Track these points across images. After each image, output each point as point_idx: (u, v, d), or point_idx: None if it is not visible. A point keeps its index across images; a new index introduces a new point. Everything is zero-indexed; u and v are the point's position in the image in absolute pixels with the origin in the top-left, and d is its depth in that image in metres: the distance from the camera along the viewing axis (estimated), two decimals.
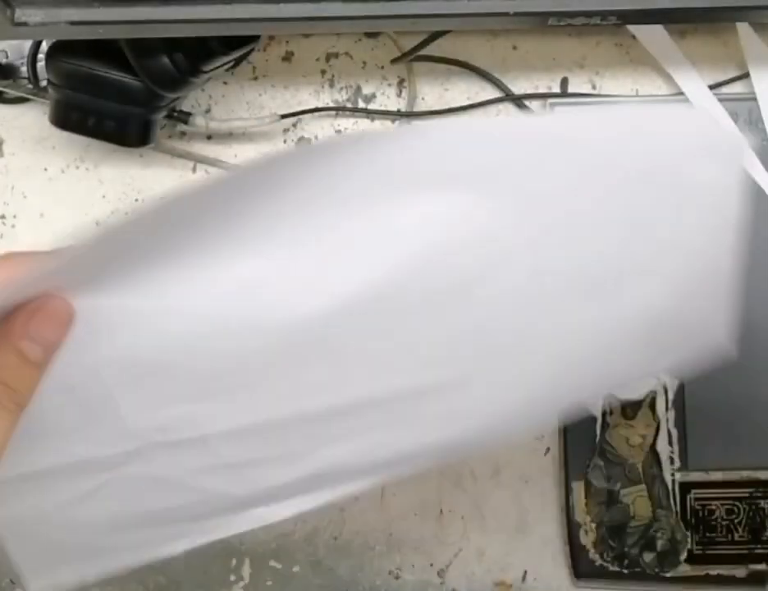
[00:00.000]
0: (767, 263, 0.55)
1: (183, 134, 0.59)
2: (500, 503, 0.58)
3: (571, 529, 0.55)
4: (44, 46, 0.53)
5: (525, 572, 0.58)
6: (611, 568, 0.55)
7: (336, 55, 0.59)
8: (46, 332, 0.30)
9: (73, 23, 0.44)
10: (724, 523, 0.55)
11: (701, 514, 0.55)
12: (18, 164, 0.60)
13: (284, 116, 0.58)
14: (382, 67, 0.59)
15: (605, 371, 0.25)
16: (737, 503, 0.55)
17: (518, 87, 0.58)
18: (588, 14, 0.46)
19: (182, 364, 0.26)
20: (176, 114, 0.56)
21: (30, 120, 0.60)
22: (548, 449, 0.57)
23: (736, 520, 0.55)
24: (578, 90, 0.58)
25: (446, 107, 0.58)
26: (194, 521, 0.31)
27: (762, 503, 0.55)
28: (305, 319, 0.22)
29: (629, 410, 0.55)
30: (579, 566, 0.56)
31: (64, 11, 0.44)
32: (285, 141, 0.59)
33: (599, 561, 0.55)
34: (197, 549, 0.59)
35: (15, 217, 0.60)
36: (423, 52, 0.57)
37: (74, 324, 0.30)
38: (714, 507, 0.55)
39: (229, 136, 0.59)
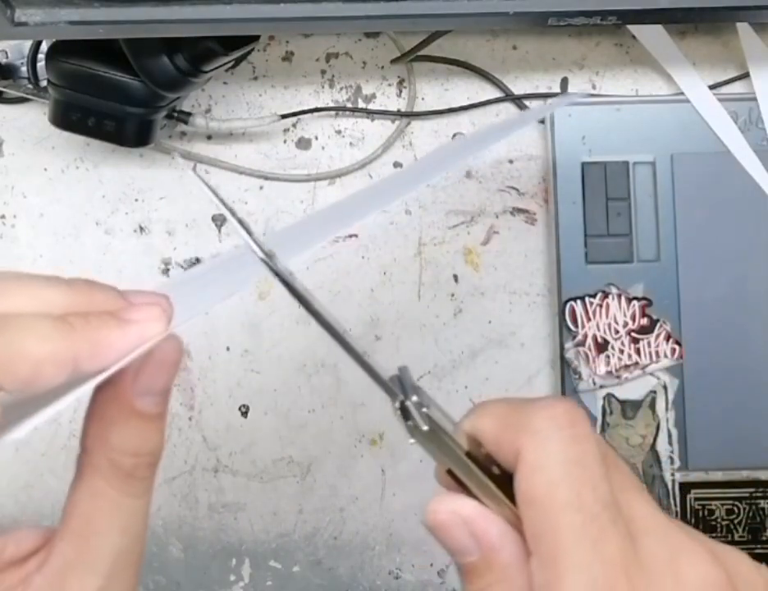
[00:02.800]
0: (766, 263, 0.55)
1: (183, 134, 0.59)
2: None
3: None
4: (44, 46, 0.53)
5: None
6: None
7: (336, 55, 0.59)
8: (160, 381, 0.27)
9: (73, 23, 0.44)
10: (724, 523, 0.55)
11: (701, 514, 0.55)
12: (18, 164, 0.60)
13: (284, 116, 0.58)
14: (382, 67, 0.59)
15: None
16: (737, 503, 0.55)
17: (518, 87, 0.58)
18: (588, 14, 0.46)
19: None
20: (176, 114, 0.56)
21: (30, 120, 0.60)
22: None
23: (736, 520, 0.55)
24: (578, 90, 0.58)
25: (446, 107, 0.58)
26: None
27: (762, 503, 0.55)
28: None
29: (629, 409, 0.55)
30: None
31: (64, 11, 0.44)
32: (285, 141, 0.59)
33: None
34: (197, 549, 0.59)
35: (15, 217, 0.60)
36: (423, 52, 0.57)
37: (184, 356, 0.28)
38: (714, 507, 0.55)
39: (229, 136, 0.59)
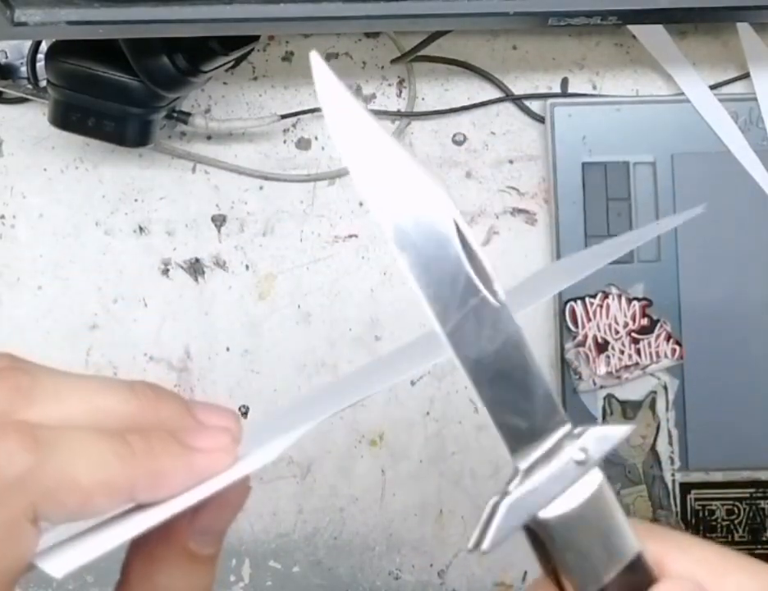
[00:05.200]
0: (766, 263, 0.55)
1: (183, 134, 0.59)
2: None
3: None
4: (44, 46, 0.53)
5: (525, 572, 0.58)
6: None
7: (336, 55, 0.59)
8: (221, 524, 0.24)
9: (73, 23, 0.44)
10: (724, 523, 0.55)
11: (701, 514, 0.55)
12: (18, 164, 0.60)
13: (284, 117, 0.58)
14: (382, 67, 0.59)
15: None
16: (737, 503, 0.55)
17: (518, 87, 0.58)
18: (588, 14, 0.46)
19: None
20: (175, 114, 0.56)
21: (30, 120, 0.60)
22: None
23: (736, 521, 0.55)
24: (578, 90, 0.58)
25: (446, 107, 0.58)
26: None
27: (762, 503, 0.55)
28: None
29: (629, 409, 0.55)
30: None
31: (64, 11, 0.44)
32: (284, 141, 0.59)
33: None
34: None
35: (14, 217, 0.60)
36: (423, 52, 0.57)
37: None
38: (714, 507, 0.55)
39: (229, 136, 0.59)
